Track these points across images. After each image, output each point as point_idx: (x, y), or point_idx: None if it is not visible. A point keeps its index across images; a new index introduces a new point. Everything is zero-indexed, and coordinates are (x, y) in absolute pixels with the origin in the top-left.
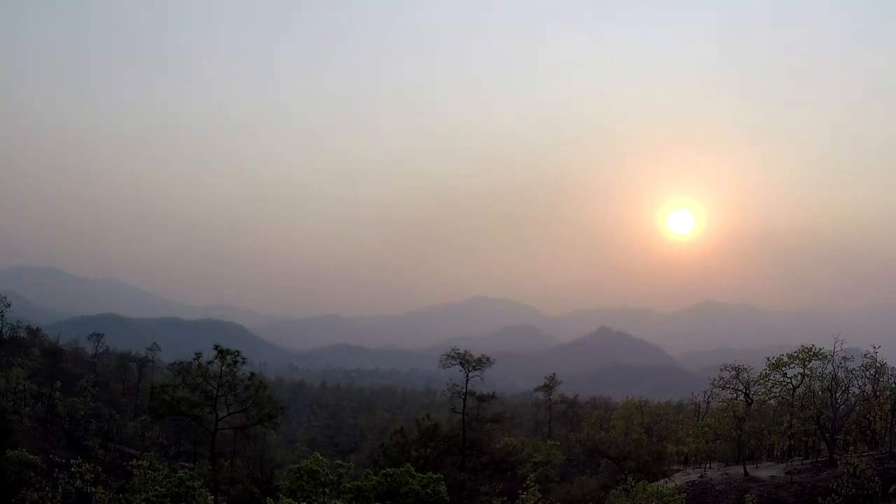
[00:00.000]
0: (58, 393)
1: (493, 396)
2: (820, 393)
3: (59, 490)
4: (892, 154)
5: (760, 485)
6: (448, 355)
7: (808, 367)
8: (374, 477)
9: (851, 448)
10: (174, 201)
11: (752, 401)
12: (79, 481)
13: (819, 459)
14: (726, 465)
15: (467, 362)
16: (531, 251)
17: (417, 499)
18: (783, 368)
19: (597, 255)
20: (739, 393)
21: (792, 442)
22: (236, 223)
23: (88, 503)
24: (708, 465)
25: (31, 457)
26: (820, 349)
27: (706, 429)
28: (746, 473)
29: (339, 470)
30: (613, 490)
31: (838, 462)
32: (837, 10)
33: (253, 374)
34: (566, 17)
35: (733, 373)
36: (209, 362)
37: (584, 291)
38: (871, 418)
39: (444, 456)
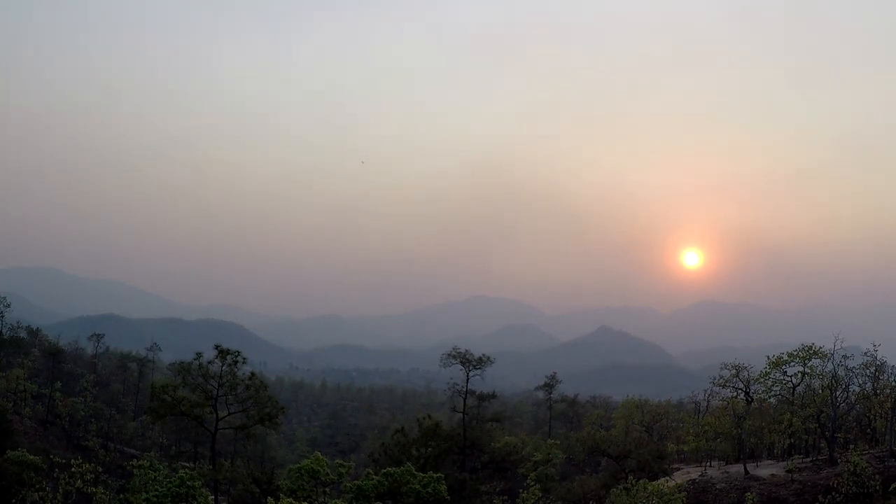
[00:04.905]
0: (58, 393)
1: (493, 395)
2: (820, 391)
3: (60, 490)
4: (892, 154)
5: (761, 483)
6: (449, 355)
7: (809, 365)
8: (374, 476)
9: (852, 446)
10: (174, 201)
11: (753, 399)
12: (79, 481)
13: (819, 458)
14: (726, 463)
15: (468, 361)
16: (531, 250)
17: (418, 498)
18: (783, 367)
19: (597, 254)
20: (739, 391)
21: (792, 440)
22: (237, 223)
23: (89, 503)
24: (708, 464)
25: (32, 457)
26: (820, 347)
27: (706, 427)
28: (747, 472)
29: (340, 469)
30: (614, 489)
31: (839, 460)
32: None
33: (253, 374)
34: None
35: (733, 371)
36: (209, 362)
37: (585, 290)
38: (872, 416)
39: (444, 455)
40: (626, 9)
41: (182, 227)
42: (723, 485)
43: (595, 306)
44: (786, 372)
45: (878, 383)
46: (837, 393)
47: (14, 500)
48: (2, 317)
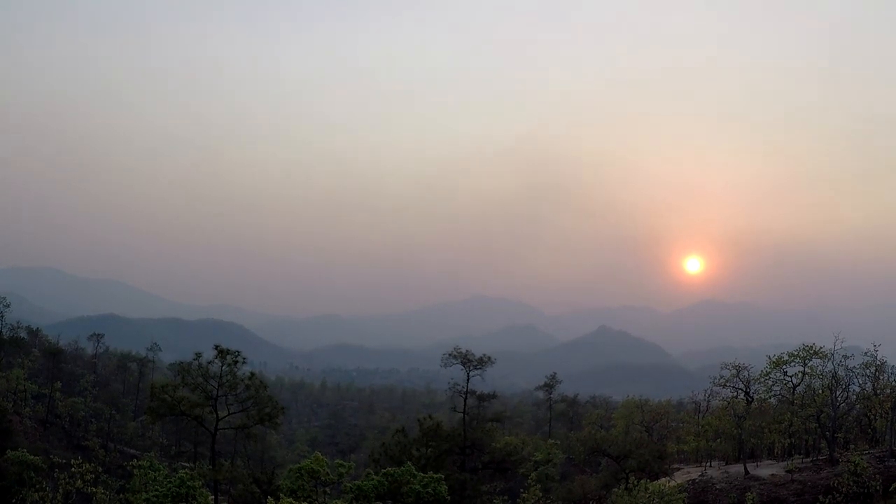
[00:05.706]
0: (58, 393)
1: (493, 396)
2: (820, 391)
3: (60, 490)
4: (892, 155)
5: (761, 483)
6: (449, 354)
7: (809, 365)
8: (375, 476)
9: (852, 446)
10: (175, 201)
11: (753, 399)
12: (79, 481)
13: (819, 458)
14: (727, 463)
15: (468, 361)
16: (531, 250)
17: (418, 498)
18: (783, 367)
19: (597, 254)
20: (740, 391)
21: (792, 440)
22: (237, 223)
23: (89, 503)
24: (708, 464)
25: (32, 457)
26: (820, 347)
27: (706, 427)
28: (747, 472)
29: (340, 469)
30: (615, 489)
31: (839, 460)
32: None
33: (253, 374)
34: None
35: (734, 371)
36: (209, 362)
37: (585, 290)
38: (872, 416)
39: (445, 455)
40: (627, 14)
41: (182, 226)
42: (723, 485)
43: (595, 306)
44: (786, 372)
45: (878, 383)
46: (837, 393)
47: (14, 500)
48: (2, 317)
